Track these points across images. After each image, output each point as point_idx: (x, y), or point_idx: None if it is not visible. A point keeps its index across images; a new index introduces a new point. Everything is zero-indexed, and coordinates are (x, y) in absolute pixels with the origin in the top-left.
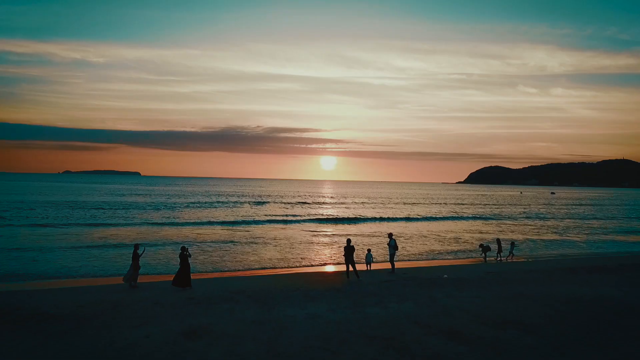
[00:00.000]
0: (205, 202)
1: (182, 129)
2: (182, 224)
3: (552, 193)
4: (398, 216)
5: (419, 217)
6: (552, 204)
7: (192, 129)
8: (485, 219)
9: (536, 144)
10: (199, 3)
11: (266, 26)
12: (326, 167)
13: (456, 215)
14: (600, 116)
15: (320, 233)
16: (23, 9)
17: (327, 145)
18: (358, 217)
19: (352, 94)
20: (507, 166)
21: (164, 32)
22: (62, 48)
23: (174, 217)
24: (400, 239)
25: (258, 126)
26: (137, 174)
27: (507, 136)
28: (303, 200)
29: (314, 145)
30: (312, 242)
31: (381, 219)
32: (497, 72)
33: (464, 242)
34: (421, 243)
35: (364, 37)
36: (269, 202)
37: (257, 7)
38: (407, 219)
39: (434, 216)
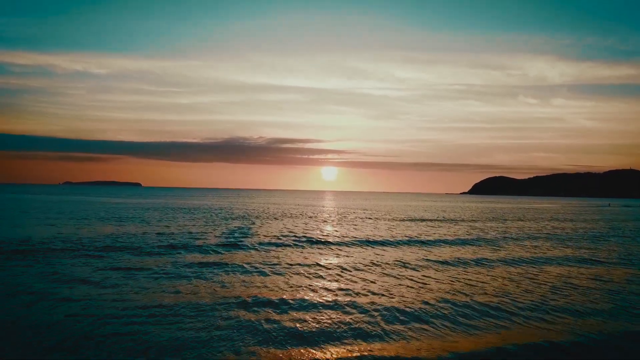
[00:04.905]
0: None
1: (183, 140)
2: None
3: None
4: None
5: None
6: None
7: (194, 140)
8: None
9: (537, 154)
10: (199, 14)
11: (267, 37)
12: (328, 177)
13: None
14: (601, 126)
15: None
16: (24, 21)
17: (329, 155)
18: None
19: (353, 104)
20: (509, 176)
21: (164, 43)
22: (63, 59)
23: None
24: None
25: (260, 137)
26: (138, 184)
27: (508, 146)
28: (307, 231)
29: (315, 156)
30: None
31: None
32: (498, 82)
33: None
34: None
35: (364, 48)
36: (255, 233)
37: (258, 18)
38: None
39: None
